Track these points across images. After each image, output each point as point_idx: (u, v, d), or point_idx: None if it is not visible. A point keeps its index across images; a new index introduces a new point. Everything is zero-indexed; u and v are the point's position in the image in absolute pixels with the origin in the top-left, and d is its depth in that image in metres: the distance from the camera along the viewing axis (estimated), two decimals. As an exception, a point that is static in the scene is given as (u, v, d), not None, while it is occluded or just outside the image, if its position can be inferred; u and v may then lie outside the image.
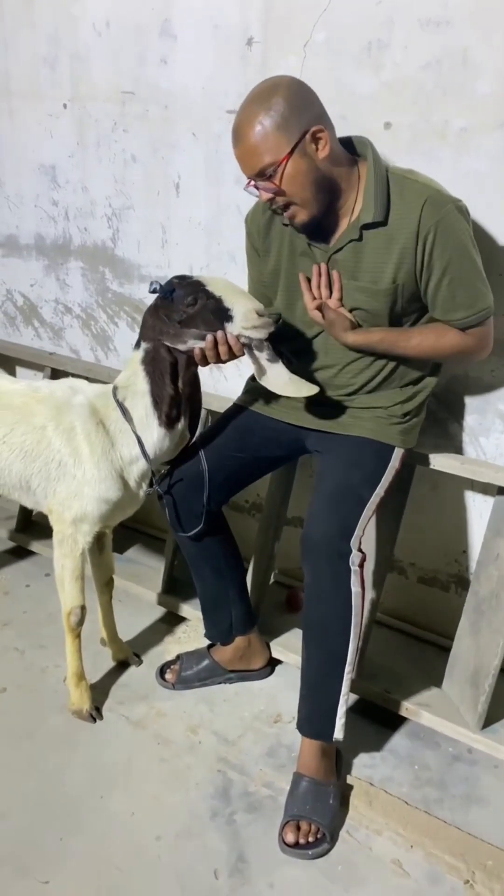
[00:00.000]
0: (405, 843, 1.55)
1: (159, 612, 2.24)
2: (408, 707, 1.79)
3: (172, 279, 1.55)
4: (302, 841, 1.52)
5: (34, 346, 2.71)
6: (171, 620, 2.21)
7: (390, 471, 1.63)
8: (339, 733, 1.57)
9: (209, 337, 1.51)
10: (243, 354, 1.55)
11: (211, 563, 1.86)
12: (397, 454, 1.66)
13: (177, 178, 2.14)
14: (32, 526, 2.55)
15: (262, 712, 1.88)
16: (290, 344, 1.70)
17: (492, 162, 1.63)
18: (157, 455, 1.66)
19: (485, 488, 1.89)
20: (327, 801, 1.57)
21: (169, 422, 1.61)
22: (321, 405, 1.68)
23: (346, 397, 1.67)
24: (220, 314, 1.50)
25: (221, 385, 2.23)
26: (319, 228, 1.55)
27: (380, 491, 1.60)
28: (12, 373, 2.75)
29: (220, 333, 1.51)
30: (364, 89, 1.74)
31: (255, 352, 1.56)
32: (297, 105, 1.42)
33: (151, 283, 1.51)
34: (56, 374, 2.48)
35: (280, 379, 1.57)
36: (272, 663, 2.01)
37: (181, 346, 1.55)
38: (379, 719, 1.86)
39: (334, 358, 1.65)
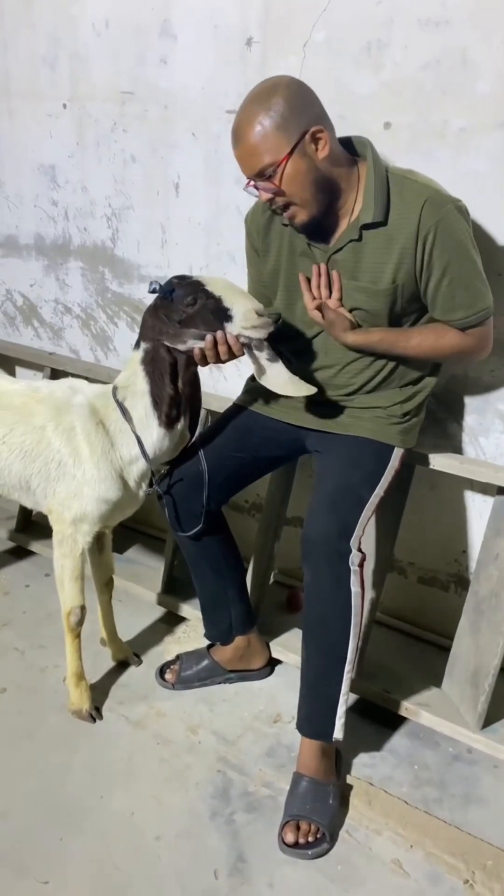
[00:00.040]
0: (405, 842, 1.55)
1: (159, 612, 2.24)
2: (407, 707, 1.79)
3: (172, 279, 1.55)
4: (302, 841, 1.52)
5: (34, 346, 2.71)
6: (171, 620, 2.21)
7: (390, 471, 1.63)
8: (338, 733, 1.57)
9: (209, 337, 1.51)
10: (243, 354, 1.55)
11: (211, 563, 1.86)
12: (397, 454, 1.66)
13: (176, 178, 2.14)
14: (32, 526, 2.55)
15: (261, 712, 1.88)
16: (289, 344, 1.70)
17: (491, 162, 1.63)
18: (156, 455, 1.66)
19: (484, 488, 1.89)
20: (327, 801, 1.57)
21: (169, 422, 1.61)
22: (321, 405, 1.68)
23: (346, 397, 1.67)
24: (220, 314, 1.50)
25: (221, 385, 2.23)
26: (319, 228, 1.55)
27: (379, 491, 1.60)
28: (12, 373, 2.76)
29: (219, 333, 1.51)
30: (363, 89, 1.74)
31: (255, 351, 1.56)
32: (297, 105, 1.42)
33: (151, 283, 1.51)
34: (56, 375, 2.48)
35: (280, 379, 1.57)
36: (272, 663, 2.01)
37: (181, 346, 1.55)
38: (379, 719, 1.86)
39: (334, 358, 1.65)
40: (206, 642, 2.00)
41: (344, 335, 1.58)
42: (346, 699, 1.56)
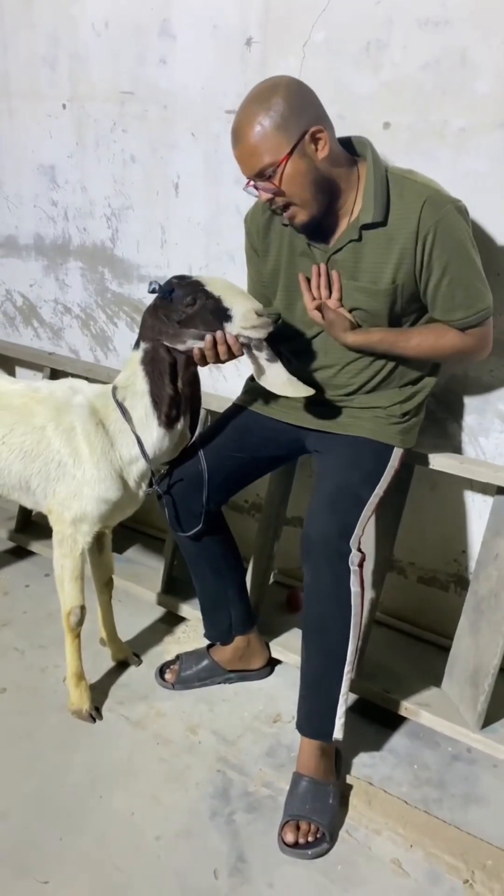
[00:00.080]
0: (405, 842, 1.55)
1: (159, 612, 2.24)
2: (407, 707, 1.79)
3: (171, 279, 1.55)
4: (301, 841, 1.52)
5: (33, 346, 2.71)
6: (171, 620, 2.22)
7: (389, 470, 1.63)
8: (338, 733, 1.58)
9: (208, 337, 1.51)
10: (242, 354, 1.55)
11: (210, 563, 1.86)
12: (396, 454, 1.66)
13: (176, 178, 2.14)
14: (32, 526, 2.55)
15: (261, 712, 1.88)
16: (289, 344, 1.70)
17: (491, 162, 1.63)
18: (156, 455, 1.66)
19: (484, 488, 1.90)
20: (327, 801, 1.58)
21: (168, 422, 1.61)
22: (321, 405, 1.68)
23: (346, 397, 1.67)
24: (219, 314, 1.50)
25: (221, 385, 2.23)
26: (319, 229, 1.55)
27: (379, 491, 1.60)
28: (12, 373, 2.75)
29: (219, 333, 1.51)
30: (363, 89, 1.74)
31: (254, 352, 1.56)
32: (297, 105, 1.42)
33: (150, 283, 1.51)
34: (55, 375, 2.48)
35: (278, 379, 1.58)
36: (272, 663, 2.01)
37: (180, 346, 1.55)
38: (378, 719, 1.86)
39: (333, 358, 1.65)
40: (206, 642, 2.00)
41: (344, 335, 1.58)
42: (345, 699, 1.56)
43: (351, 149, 1.55)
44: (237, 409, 1.83)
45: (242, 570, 1.95)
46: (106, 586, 1.97)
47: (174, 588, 2.22)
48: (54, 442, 1.66)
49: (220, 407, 1.93)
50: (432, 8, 1.60)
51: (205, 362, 1.56)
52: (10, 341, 2.76)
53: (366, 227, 1.50)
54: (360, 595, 1.53)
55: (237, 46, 1.90)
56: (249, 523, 2.31)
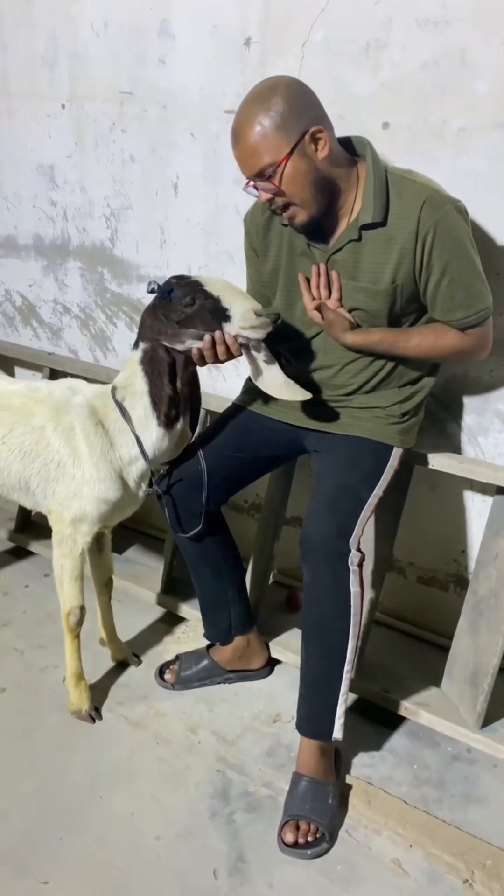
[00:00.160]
0: (404, 842, 1.55)
1: (158, 612, 2.24)
2: (407, 706, 1.80)
3: (171, 279, 1.55)
4: (301, 840, 1.52)
5: (33, 346, 2.71)
6: (171, 620, 2.22)
7: (389, 470, 1.64)
8: (338, 733, 1.58)
9: (207, 337, 1.51)
10: (241, 354, 1.55)
11: (210, 564, 1.86)
12: (396, 454, 1.66)
13: (175, 178, 2.14)
14: (32, 526, 2.55)
15: (261, 712, 1.88)
16: (289, 344, 1.70)
17: (490, 162, 1.63)
18: (156, 455, 1.66)
19: (483, 488, 1.90)
20: (326, 801, 1.58)
21: (168, 422, 1.61)
22: (320, 405, 1.68)
23: (345, 397, 1.67)
24: (218, 314, 1.50)
25: (220, 385, 2.23)
26: (319, 229, 1.55)
27: (378, 491, 1.60)
28: (11, 373, 2.75)
29: (217, 333, 1.51)
30: (362, 89, 1.74)
31: (253, 352, 1.56)
32: (297, 105, 1.42)
33: (150, 283, 1.51)
34: (55, 375, 2.48)
35: (275, 381, 1.58)
36: (271, 663, 2.01)
37: (179, 347, 1.55)
38: (378, 719, 1.86)
39: (333, 358, 1.65)
40: (206, 642, 2.00)
41: (343, 335, 1.58)
42: (345, 699, 1.56)
43: (350, 149, 1.55)
44: (236, 409, 1.83)
45: (242, 570, 1.95)
46: (105, 586, 1.97)
47: (174, 588, 2.22)
48: (54, 442, 1.66)
49: (220, 407, 1.93)
50: (432, 8, 1.60)
51: (204, 362, 1.56)
52: (10, 341, 2.76)
53: (365, 227, 1.50)
54: (360, 595, 1.53)
55: (236, 46, 1.89)
56: (249, 523, 2.31)
